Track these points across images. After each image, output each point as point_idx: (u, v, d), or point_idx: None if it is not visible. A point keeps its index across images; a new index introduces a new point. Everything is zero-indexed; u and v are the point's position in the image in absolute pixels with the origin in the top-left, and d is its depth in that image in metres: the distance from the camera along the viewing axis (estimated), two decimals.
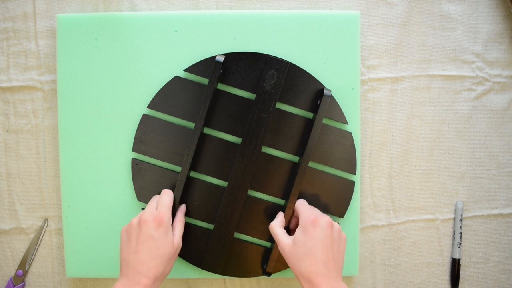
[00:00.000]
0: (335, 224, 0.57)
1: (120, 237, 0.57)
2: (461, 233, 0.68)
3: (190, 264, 0.65)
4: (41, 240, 0.67)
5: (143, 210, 0.58)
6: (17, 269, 0.67)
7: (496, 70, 0.68)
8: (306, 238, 0.55)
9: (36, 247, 0.67)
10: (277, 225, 0.60)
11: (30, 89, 0.67)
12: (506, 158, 0.69)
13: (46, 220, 0.68)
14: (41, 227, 0.67)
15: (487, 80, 0.68)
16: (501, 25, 0.68)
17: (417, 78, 0.68)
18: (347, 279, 0.68)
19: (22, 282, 0.67)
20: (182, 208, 0.63)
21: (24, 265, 0.67)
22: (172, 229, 0.58)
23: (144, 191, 0.65)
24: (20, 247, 0.68)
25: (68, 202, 0.65)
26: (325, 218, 0.57)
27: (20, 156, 0.67)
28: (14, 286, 0.67)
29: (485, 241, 0.70)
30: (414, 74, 0.68)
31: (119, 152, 0.65)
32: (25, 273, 0.67)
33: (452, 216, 0.69)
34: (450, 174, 0.69)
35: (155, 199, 0.61)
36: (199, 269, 0.66)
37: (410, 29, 0.68)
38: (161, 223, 0.55)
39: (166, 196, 0.59)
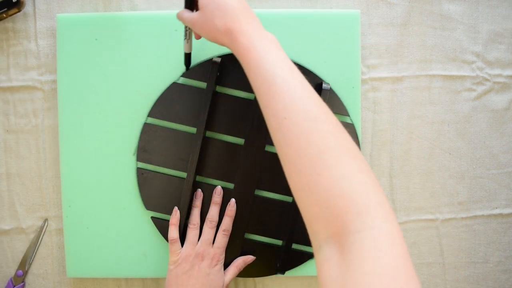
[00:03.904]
0: None
1: (169, 268, 0.60)
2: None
3: None
4: (41, 240, 0.67)
5: (195, 243, 0.61)
6: (17, 269, 0.67)
7: (496, 70, 0.68)
8: None
9: (36, 247, 0.67)
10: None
11: (30, 89, 0.67)
12: (507, 158, 0.69)
13: (46, 220, 0.67)
14: (41, 227, 0.67)
15: (487, 80, 0.68)
16: (501, 25, 0.68)
17: (417, 78, 0.68)
18: None
19: (22, 282, 0.67)
20: (248, 259, 0.64)
21: (24, 265, 0.67)
22: (226, 269, 0.62)
23: (152, 199, 0.64)
24: (20, 247, 0.68)
25: (69, 202, 0.65)
26: None
27: (20, 156, 0.67)
28: (14, 286, 0.67)
29: (485, 241, 0.70)
30: (415, 74, 0.68)
31: (119, 153, 0.65)
32: (25, 273, 0.67)
33: (452, 216, 0.69)
34: (450, 174, 0.69)
35: (194, 229, 0.62)
36: None
37: (410, 29, 0.68)
38: (217, 262, 0.60)
39: (225, 238, 0.62)
